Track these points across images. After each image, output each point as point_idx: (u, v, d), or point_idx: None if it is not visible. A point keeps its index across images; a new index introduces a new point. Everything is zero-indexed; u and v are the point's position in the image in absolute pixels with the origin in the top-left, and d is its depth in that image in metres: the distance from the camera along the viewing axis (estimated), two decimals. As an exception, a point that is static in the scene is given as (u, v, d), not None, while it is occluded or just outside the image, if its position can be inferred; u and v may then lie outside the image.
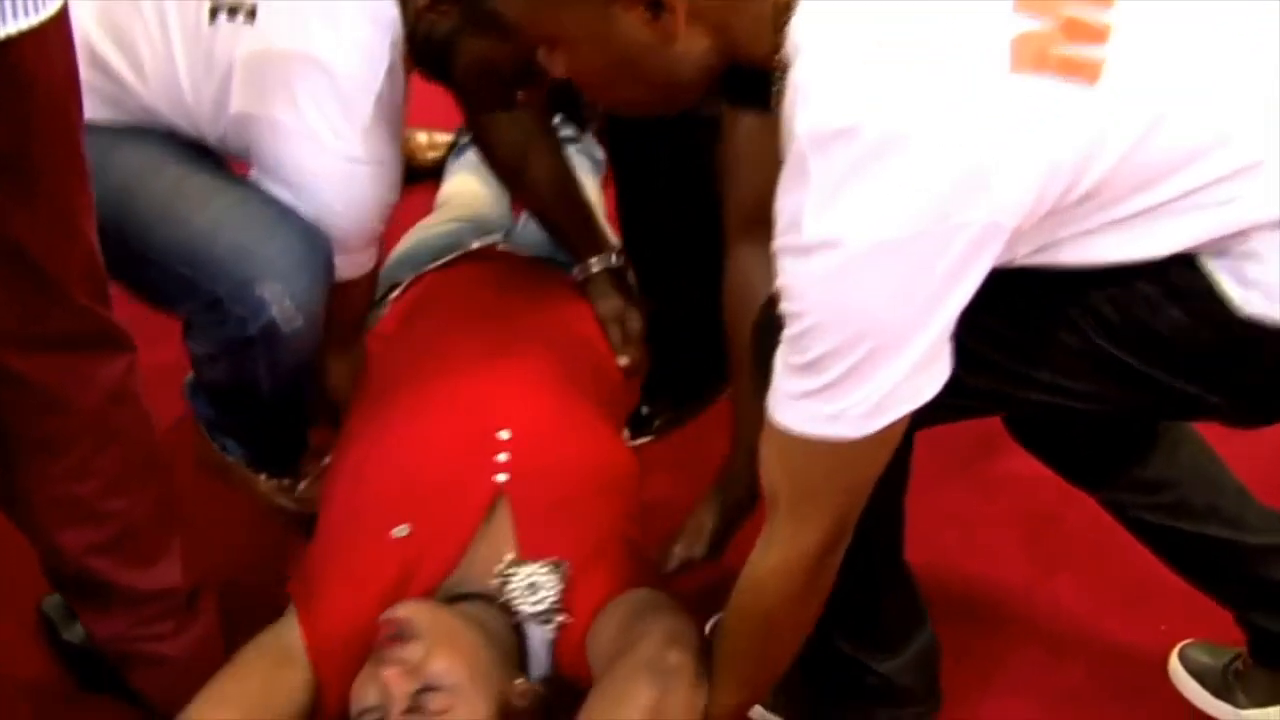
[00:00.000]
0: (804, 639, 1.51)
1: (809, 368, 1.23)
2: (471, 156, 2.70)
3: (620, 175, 2.29)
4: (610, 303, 2.12)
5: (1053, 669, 1.94)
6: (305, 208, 1.80)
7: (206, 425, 2.07)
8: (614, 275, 2.14)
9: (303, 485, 2.11)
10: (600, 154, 2.81)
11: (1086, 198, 1.21)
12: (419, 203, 2.66)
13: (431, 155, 2.87)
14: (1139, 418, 1.68)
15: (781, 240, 1.22)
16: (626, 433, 2.29)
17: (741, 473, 1.82)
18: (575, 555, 1.69)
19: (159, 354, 1.99)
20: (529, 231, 2.36)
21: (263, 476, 2.12)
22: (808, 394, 1.24)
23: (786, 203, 1.21)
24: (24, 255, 1.35)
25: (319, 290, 1.80)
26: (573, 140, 2.82)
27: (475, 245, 2.17)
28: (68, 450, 1.52)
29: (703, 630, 1.90)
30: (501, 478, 1.75)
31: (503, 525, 1.72)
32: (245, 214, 1.77)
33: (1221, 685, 1.88)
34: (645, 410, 2.33)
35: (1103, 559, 2.07)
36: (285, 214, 1.79)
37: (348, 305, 1.94)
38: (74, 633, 1.83)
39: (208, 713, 1.58)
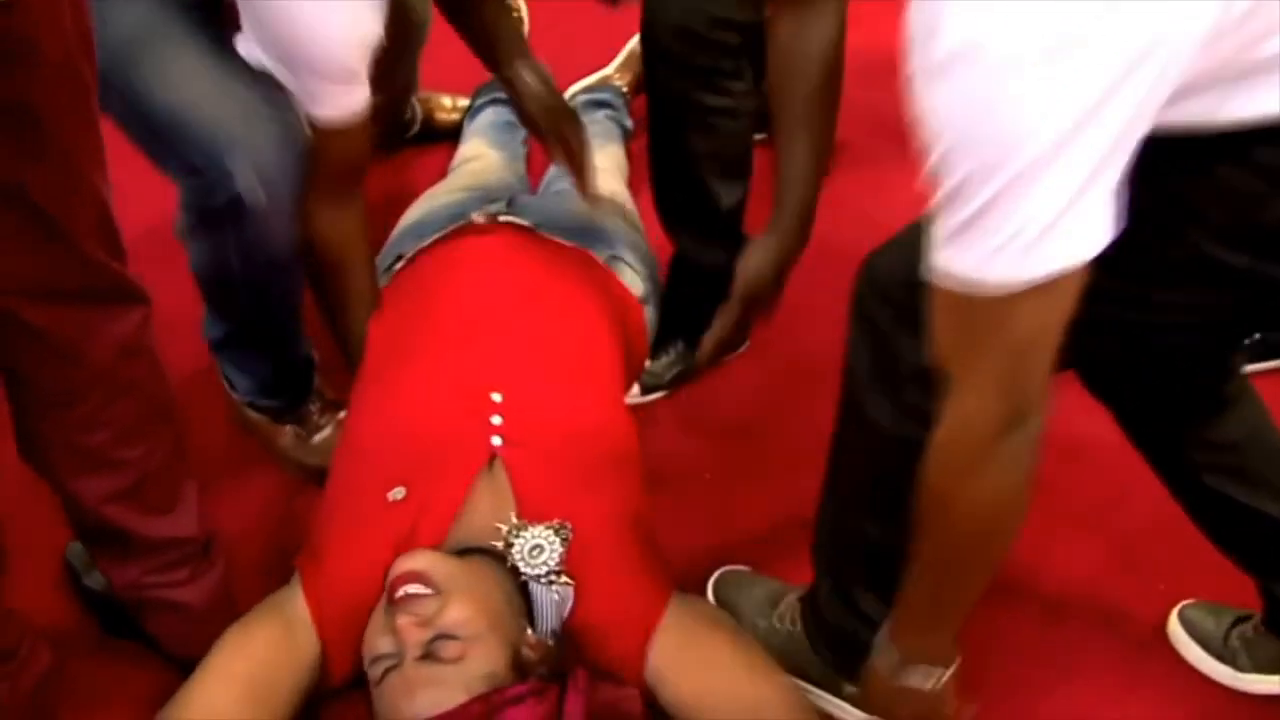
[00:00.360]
0: (1001, 532, 1.36)
1: (954, 197, 1.14)
2: (485, 119, 2.74)
3: (652, 108, 2.27)
4: (534, 91, 2.16)
5: (1050, 629, 1.96)
6: (277, 41, 1.81)
7: (214, 348, 2.13)
8: (538, 75, 2.17)
9: (318, 438, 2.16)
10: (629, 122, 2.85)
11: (1248, 16, 1.11)
12: (436, 164, 2.70)
13: (454, 117, 2.90)
14: (1249, 327, 1.63)
15: (914, 62, 1.13)
16: (636, 389, 2.31)
17: (787, 222, 1.85)
18: (576, 518, 1.70)
19: (180, 308, 2.05)
20: (533, 200, 2.38)
21: (287, 428, 2.18)
22: (958, 230, 1.15)
23: (919, 15, 1.11)
24: (36, 209, 1.38)
25: (287, 172, 1.83)
26: (604, 105, 2.85)
27: (475, 216, 2.19)
28: (80, 401, 1.55)
29: (705, 589, 1.96)
30: (497, 440, 1.76)
31: (502, 487, 1.73)
32: (230, 92, 1.80)
33: (1222, 647, 1.89)
34: (652, 364, 2.34)
35: (1101, 519, 2.08)
36: (270, 99, 1.82)
37: (339, 157, 1.93)
38: (95, 579, 1.87)
39: (214, 681, 1.62)
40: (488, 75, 2.23)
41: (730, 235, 2.28)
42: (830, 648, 1.80)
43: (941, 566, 1.41)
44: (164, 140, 1.82)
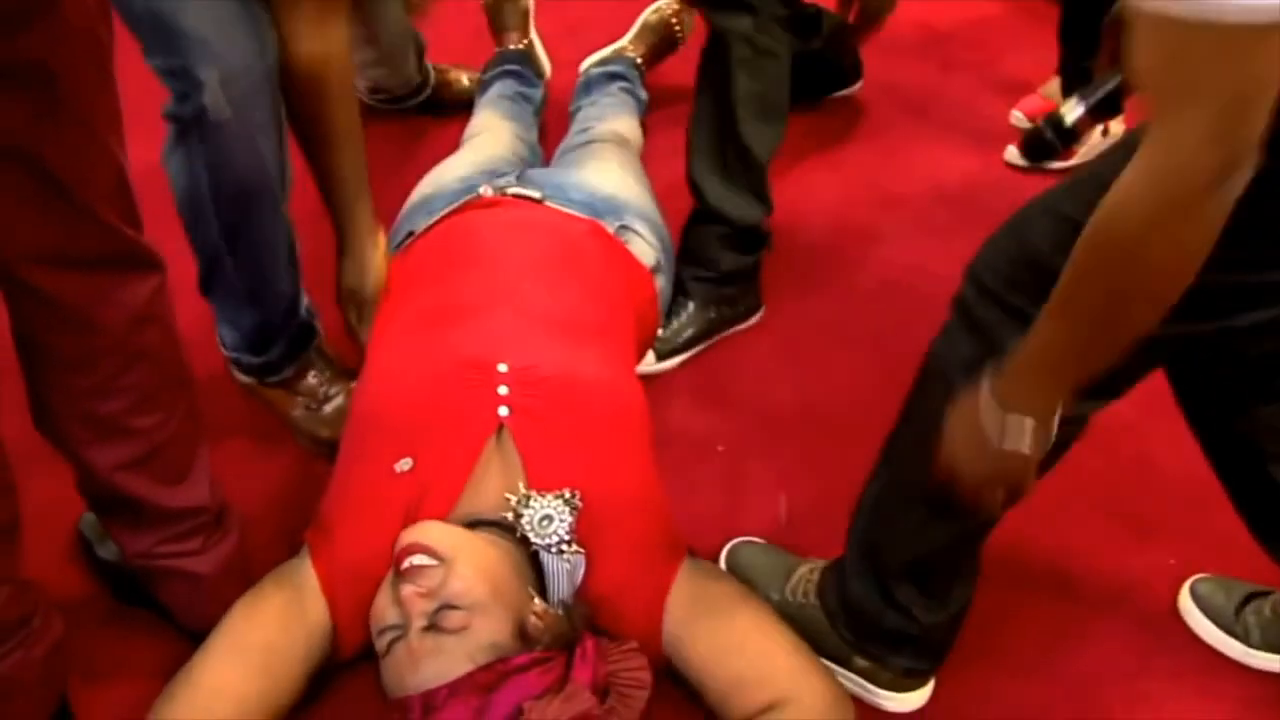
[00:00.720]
0: (1180, 285, 1.23)
1: None
2: (496, 90, 2.76)
3: (707, 46, 2.33)
4: None
5: (1062, 604, 1.95)
6: None
7: (203, 294, 2.12)
8: None
9: (328, 409, 2.16)
10: (644, 94, 2.88)
11: None
12: (450, 136, 2.69)
13: (468, 88, 2.93)
14: None
15: None
16: (651, 357, 2.32)
17: None
18: (585, 487, 1.71)
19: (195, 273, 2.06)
20: (542, 172, 2.38)
21: (299, 399, 2.18)
22: None
23: None
24: (51, 174, 1.37)
25: (256, 89, 1.84)
26: (618, 77, 2.85)
27: (483, 190, 2.19)
28: (93, 369, 1.54)
29: (718, 561, 1.96)
30: (504, 411, 1.76)
31: (510, 457, 1.74)
32: (220, 6, 1.81)
33: (1234, 622, 1.89)
34: (665, 330, 2.36)
35: (1113, 495, 2.07)
36: (249, 14, 1.83)
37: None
38: (108, 549, 1.87)
39: (225, 652, 1.64)
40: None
41: (757, 187, 2.34)
42: (851, 628, 1.80)
43: (1101, 314, 1.29)
44: (150, 37, 1.83)
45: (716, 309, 2.41)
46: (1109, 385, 1.44)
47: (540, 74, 2.94)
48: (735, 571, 1.93)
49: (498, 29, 3.04)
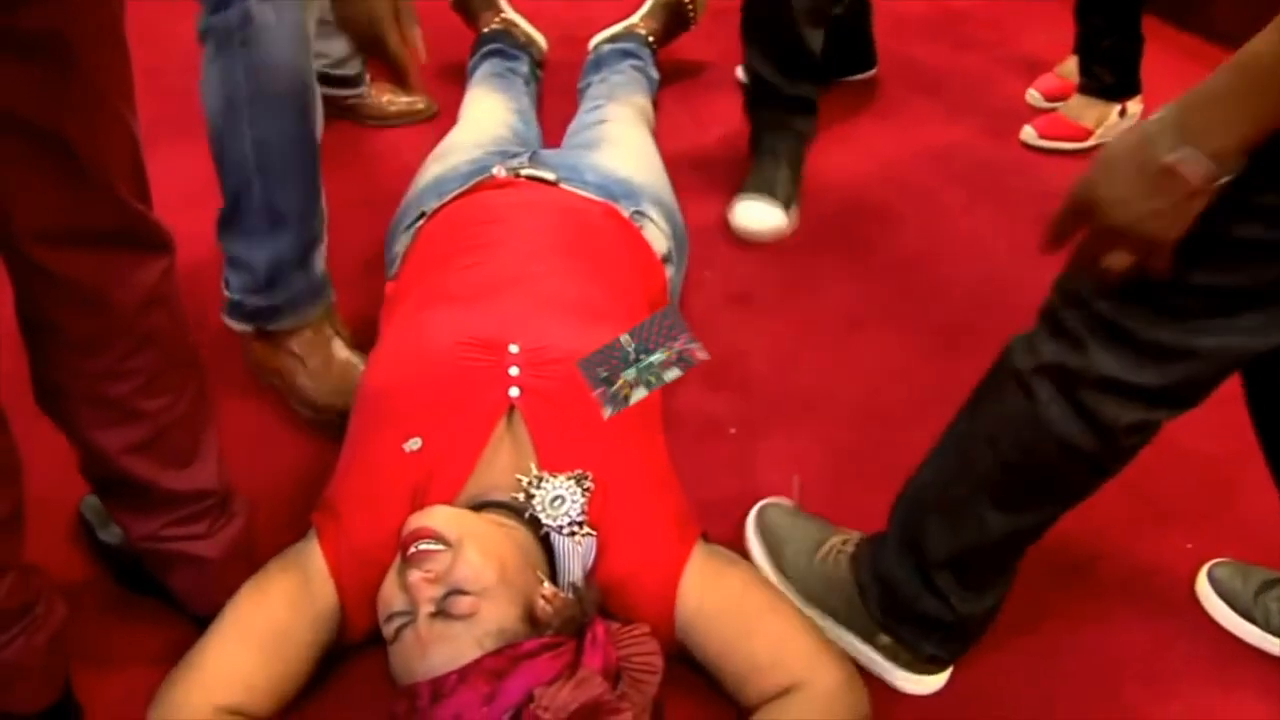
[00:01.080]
0: None
1: None
2: (485, 70, 2.78)
3: None
4: None
5: (1078, 588, 1.94)
6: None
7: (219, 235, 2.10)
8: None
9: (331, 377, 2.13)
10: (656, 73, 2.88)
11: None
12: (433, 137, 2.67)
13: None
14: None
15: None
16: (781, 215, 2.48)
17: None
18: (597, 468, 1.70)
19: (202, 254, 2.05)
20: (555, 154, 2.37)
21: (302, 367, 2.16)
22: None
23: None
24: (67, 146, 1.35)
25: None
26: (630, 55, 2.83)
27: (496, 171, 2.17)
28: (103, 350, 1.52)
29: (729, 541, 1.94)
30: (514, 391, 1.75)
31: (521, 438, 1.73)
32: None
33: (1251, 606, 1.87)
34: (770, 194, 2.60)
35: (1130, 478, 2.03)
36: None
37: None
38: (110, 533, 1.86)
39: (231, 635, 1.63)
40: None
41: (815, 76, 2.67)
42: (883, 607, 1.77)
43: None
44: None
45: (799, 164, 2.72)
46: (1190, 395, 1.44)
47: (521, 44, 2.92)
48: (765, 532, 1.92)
49: (469, 19, 3.03)
